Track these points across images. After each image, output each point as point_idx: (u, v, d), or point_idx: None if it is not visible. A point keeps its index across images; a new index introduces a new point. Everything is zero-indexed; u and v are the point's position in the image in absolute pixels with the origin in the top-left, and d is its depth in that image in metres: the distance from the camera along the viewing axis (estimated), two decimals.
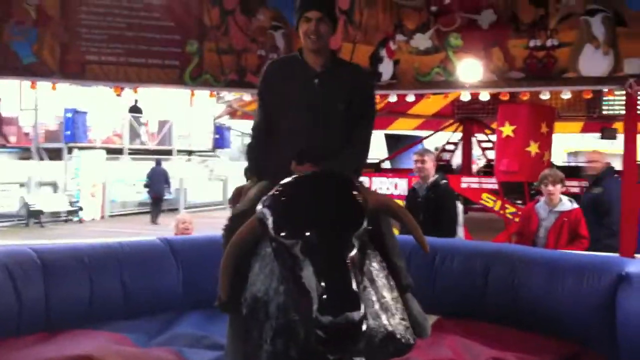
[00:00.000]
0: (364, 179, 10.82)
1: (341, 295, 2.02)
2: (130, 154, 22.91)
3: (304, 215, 2.25)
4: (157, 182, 18.85)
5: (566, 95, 6.27)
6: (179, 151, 25.38)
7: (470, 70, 5.75)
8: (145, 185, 19.22)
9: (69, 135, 20.60)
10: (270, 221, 2.31)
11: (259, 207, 2.41)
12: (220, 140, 26.49)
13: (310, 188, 2.41)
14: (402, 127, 17.09)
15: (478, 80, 5.79)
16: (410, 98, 6.62)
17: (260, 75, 3.32)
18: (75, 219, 18.64)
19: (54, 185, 19.93)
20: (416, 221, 2.94)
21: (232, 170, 26.45)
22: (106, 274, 4.51)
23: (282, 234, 2.24)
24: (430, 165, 5.95)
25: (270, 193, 2.43)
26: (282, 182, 2.45)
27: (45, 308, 4.16)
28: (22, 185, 18.18)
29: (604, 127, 14.43)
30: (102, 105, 22.39)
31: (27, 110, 21.79)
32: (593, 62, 5.36)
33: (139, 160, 23.65)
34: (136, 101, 24.16)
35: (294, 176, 2.53)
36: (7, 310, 3.94)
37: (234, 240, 2.55)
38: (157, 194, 18.85)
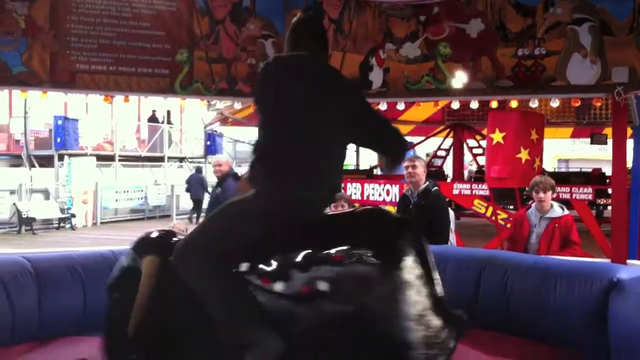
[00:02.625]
0: (356, 185, 10.89)
1: None
2: (120, 160, 22.88)
3: None
4: (195, 187, 20.02)
5: (555, 103, 6.33)
6: (170, 158, 25.34)
7: (460, 79, 5.80)
8: (186, 190, 20.41)
9: (60, 142, 20.54)
10: None
11: None
12: (211, 146, 26.48)
13: None
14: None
15: (467, 89, 5.84)
16: (400, 106, 6.66)
17: None
18: (68, 226, 18.59)
19: (46, 193, 19.85)
20: None
21: None
22: (99, 282, 4.48)
23: None
24: (421, 171, 5.96)
25: None
26: None
27: (39, 317, 4.15)
28: (12, 192, 18.11)
29: (594, 133, 14.53)
30: (94, 112, 22.41)
31: (17, 118, 21.72)
32: (581, 70, 5.42)
33: (129, 167, 23.61)
34: (154, 111, 24.40)
35: None
36: (0, 320, 3.94)
37: None
38: (196, 198, 20.03)
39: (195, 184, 20.17)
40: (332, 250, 2.85)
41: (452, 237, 6.25)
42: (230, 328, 2.81)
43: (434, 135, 15.36)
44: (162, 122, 25.04)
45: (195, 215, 19.92)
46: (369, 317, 2.79)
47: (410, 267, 2.82)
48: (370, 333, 2.79)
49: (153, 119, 24.85)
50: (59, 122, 20.62)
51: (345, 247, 2.85)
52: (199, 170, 21.00)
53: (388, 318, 2.77)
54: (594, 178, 14.10)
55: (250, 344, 2.74)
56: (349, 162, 15.70)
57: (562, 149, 31.08)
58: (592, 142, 15.34)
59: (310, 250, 2.87)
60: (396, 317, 2.76)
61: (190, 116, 25.74)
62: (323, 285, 2.80)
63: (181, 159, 26.33)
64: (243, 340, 2.76)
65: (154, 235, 3.38)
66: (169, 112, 24.95)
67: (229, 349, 2.84)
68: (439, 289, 2.93)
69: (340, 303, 2.79)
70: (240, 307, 2.81)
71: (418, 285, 2.81)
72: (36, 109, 20.84)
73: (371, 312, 2.78)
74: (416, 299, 2.78)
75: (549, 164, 26.20)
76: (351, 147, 15.84)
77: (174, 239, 3.21)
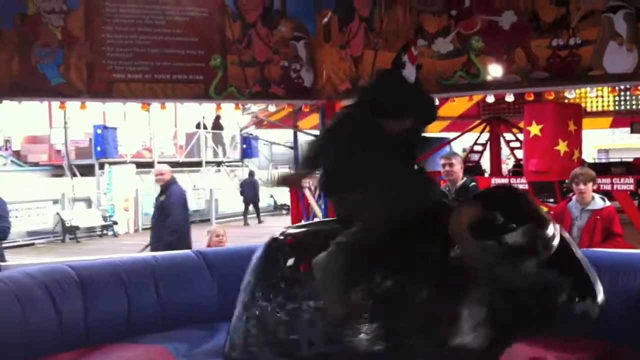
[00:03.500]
0: None
1: None
2: None
3: None
4: (248, 190, 21.67)
5: (593, 92, 6.24)
6: (208, 162, 25.53)
7: (493, 72, 5.75)
8: (240, 193, 22.14)
9: (100, 151, 20.86)
10: None
11: None
12: (248, 150, 26.64)
13: None
14: (428, 130, 17.02)
15: (502, 82, 5.79)
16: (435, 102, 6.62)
17: None
18: (110, 233, 18.86)
19: (88, 201, 20.16)
20: None
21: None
22: (142, 288, 4.56)
23: None
24: (458, 167, 5.92)
25: None
26: None
27: (84, 324, 4.22)
28: (55, 202, 18.43)
29: (634, 122, 14.25)
30: (132, 120, 22.71)
31: (58, 129, 22.10)
32: (617, 59, 5.34)
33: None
34: (218, 117, 24.81)
35: None
36: (47, 328, 4.01)
37: None
38: (250, 200, 21.77)
39: (248, 188, 21.64)
40: None
41: None
42: None
43: (469, 130, 15.20)
44: (220, 128, 25.59)
45: (255, 215, 21.85)
46: None
47: None
48: None
49: (218, 126, 25.25)
50: (99, 131, 20.94)
51: None
52: (251, 174, 22.27)
53: None
54: (636, 168, 13.82)
55: None
56: None
57: (602, 139, 30.55)
58: (632, 132, 15.06)
59: None
60: None
61: (225, 120, 25.92)
62: None
63: (218, 164, 26.52)
64: None
65: None
66: (218, 117, 25.19)
67: None
68: None
69: None
70: None
71: None
72: (75, 119, 21.19)
73: None
74: None
75: (589, 154, 25.74)
76: None
77: None
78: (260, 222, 21.76)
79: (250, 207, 22.03)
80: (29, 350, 3.82)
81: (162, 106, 6.77)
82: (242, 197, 21.96)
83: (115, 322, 4.37)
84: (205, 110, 22.21)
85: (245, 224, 21.48)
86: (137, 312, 4.47)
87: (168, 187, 7.34)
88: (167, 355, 4.08)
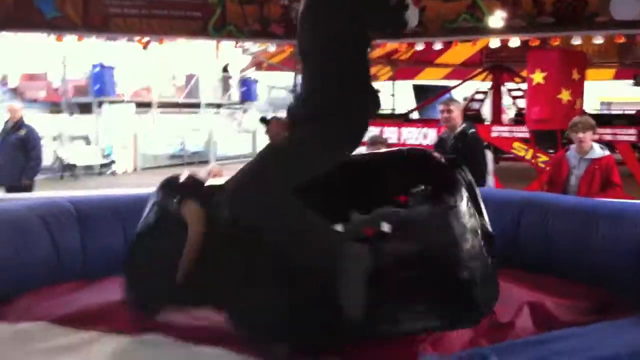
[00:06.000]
0: (393, 129, 10.80)
1: None
2: (158, 107, 22.98)
3: None
4: None
5: (598, 40, 6.13)
6: (207, 104, 25.34)
7: (498, 16, 5.65)
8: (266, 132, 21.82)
9: (98, 89, 20.68)
10: None
11: None
12: (247, 92, 26.43)
13: None
14: (430, 77, 16.92)
15: (506, 26, 5.70)
16: (438, 46, 6.52)
17: None
18: (109, 172, 18.86)
19: (86, 139, 20.11)
20: None
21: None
22: None
23: None
24: (457, 114, 5.88)
25: None
26: None
27: (82, 258, 4.22)
28: (54, 139, 18.35)
29: (637, 74, 14.15)
30: (131, 60, 22.45)
31: (55, 66, 21.86)
32: (625, 5, 5.23)
33: (167, 114, 23.74)
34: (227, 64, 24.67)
35: None
36: (45, 261, 4.00)
37: None
38: None
39: None
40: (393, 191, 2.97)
41: (490, 180, 6.18)
42: (317, 244, 2.72)
43: (471, 78, 15.10)
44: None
45: None
46: (433, 257, 2.83)
47: (466, 208, 2.94)
48: (435, 272, 2.84)
49: (227, 69, 25.04)
50: (96, 70, 20.74)
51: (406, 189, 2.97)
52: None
53: (451, 258, 2.84)
54: (638, 120, 13.74)
55: (342, 256, 2.63)
56: (385, 107, 15.53)
57: (605, 91, 30.32)
58: (635, 84, 14.97)
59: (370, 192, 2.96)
60: (458, 257, 2.84)
61: (226, 61, 25.64)
62: (386, 227, 2.81)
63: (218, 105, 26.32)
64: (334, 253, 2.64)
65: (186, 178, 3.38)
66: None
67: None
68: (489, 226, 3.05)
69: (404, 244, 2.81)
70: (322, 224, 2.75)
71: (473, 224, 2.93)
72: (73, 57, 20.95)
73: (435, 252, 2.83)
74: (472, 237, 2.89)
75: (592, 106, 25.58)
76: (386, 93, 15.60)
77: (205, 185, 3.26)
78: None
79: None
80: (26, 280, 3.83)
81: (160, 41, 6.66)
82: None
83: (113, 256, 4.37)
84: (204, 51, 21.99)
85: None
86: None
87: (24, 123, 7.52)
88: None
